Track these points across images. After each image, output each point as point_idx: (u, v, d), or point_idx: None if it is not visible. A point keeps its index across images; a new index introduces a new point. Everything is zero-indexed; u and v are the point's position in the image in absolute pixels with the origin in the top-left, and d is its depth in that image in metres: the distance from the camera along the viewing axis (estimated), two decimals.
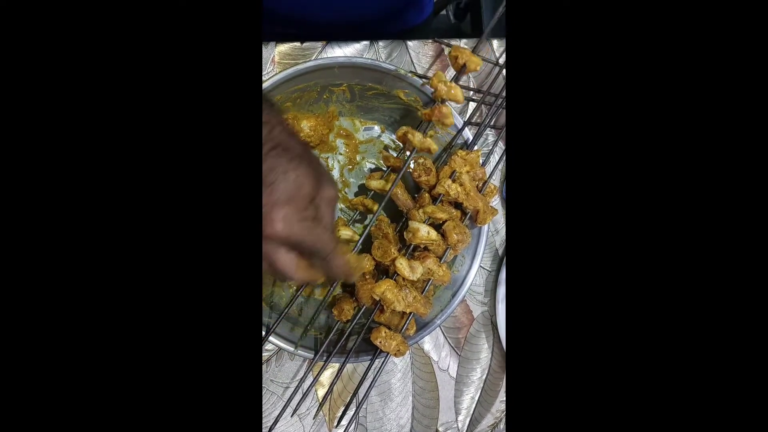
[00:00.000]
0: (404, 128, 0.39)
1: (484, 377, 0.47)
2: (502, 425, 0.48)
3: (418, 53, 0.46)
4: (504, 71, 0.46)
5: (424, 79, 0.41)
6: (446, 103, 0.39)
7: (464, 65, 0.40)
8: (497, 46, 0.49)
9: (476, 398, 0.47)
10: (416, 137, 0.38)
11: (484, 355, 0.47)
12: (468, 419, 0.46)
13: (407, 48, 0.46)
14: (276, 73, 0.39)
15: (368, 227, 0.37)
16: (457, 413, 0.46)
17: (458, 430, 0.46)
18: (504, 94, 0.45)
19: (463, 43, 0.46)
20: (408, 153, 0.40)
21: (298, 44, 0.42)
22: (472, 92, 0.45)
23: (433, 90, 0.39)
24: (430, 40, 0.46)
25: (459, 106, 0.46)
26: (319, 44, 0.43)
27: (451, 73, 0.47)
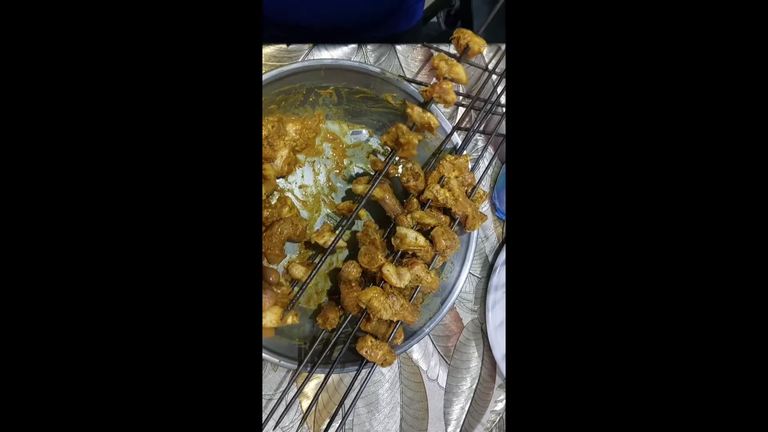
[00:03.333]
0: (398, 126, 0.38)
1: (474, 387, 0.46)
2: None
3: (407, 57, 0.45)
4: (493, 77, 0.46)
5: (414, 84, 0.40)
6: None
7: (467, 46, 0.39)
8: (486, 51, 0.48)
9: (466, 408, 0.46)
10: (415, 111, 0.37)
11: (474, 364, 0.46)
12: (458, 430, 0.45)
13: (396, 52, 0.45)
14: None
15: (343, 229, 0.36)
16: (447, 424, 0.45)
17: None
18: (493, 99, 0.44)
19: (452, 48, 0.46)
20: (394, 153, 0.40)
21: (284, 46, 0.42)
22: (461, 97, 0.45)
23: (435, 68, 0.38)
24: (420, 45, 0.46)
25: (447, 111, 0.46)
26: (306, 47, 0.42)
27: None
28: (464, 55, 0.40)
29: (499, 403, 0.47)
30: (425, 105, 0.39)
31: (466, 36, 0.39)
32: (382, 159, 0.41)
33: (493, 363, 0.46)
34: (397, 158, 0.42)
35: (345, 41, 0.44)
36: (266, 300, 0.32)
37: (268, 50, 0.41)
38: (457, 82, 0.39)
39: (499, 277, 0.45)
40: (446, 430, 0.45)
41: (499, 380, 0.47)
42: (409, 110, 0.37)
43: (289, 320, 0.33)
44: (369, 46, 0.44)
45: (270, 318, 0.32)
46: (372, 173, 0.42)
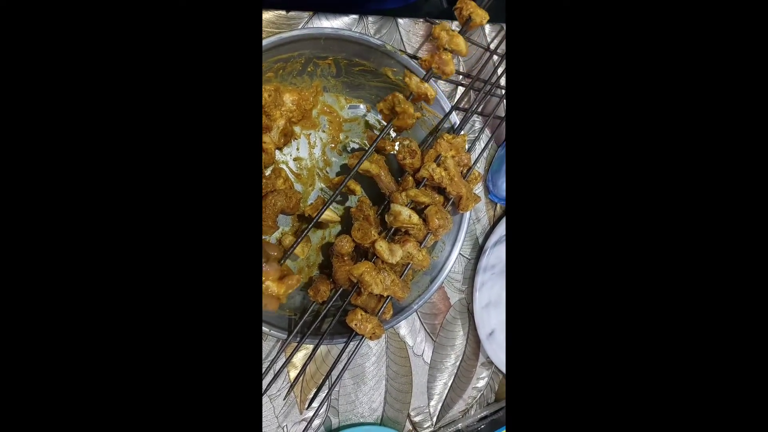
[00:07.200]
0: (394, 94, 0.38)
1: (458, 363, 0.47)
2: (473, 411, 0.48)
3: (409, 32, 0.45)
4: (494, 57, 0.45)
5: (414, 59, 0.39)
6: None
7: (469, 18, 0.38)
8: (489, 31, 0.48)
9: (449, 384, 0.47)
10: (413, 80, 0.36)
11: (459, 341, 0.47)
12: (440, 404, 0.47)
13: (397, 25, 0.44)
14: None
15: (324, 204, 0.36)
16: (430, 398, 0.46)
17: (430, 415, 0.46)
18: (493, 80, 0.44)
19: (455, 25, 0.45)
20: (389, 126, 0.39)
21: (283, 12, 0.40)
22: (461, 77, 0.44)
23: (435, 38, 0.38)
24: (422, 20, 0.45)
25: (447, 90, 0.46)
26: (306, 14, 0.41)
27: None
28: (466, 26, 0.39)
29: (480, 380, 0.48)
30: (424, 76, 0.38)
31: (469, 7, 0.38)
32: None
33: (478, 342, 0.47)
34: (393, 133, 0.41)
35: (346, 11, 0.43)
36: (271, 272, 0.33)
37: (266, 16, 0.40)
38: (456, 53, 0.39)
39: (488, 259, 0.46)
40: (429, 403, 0.46)
41: (482, 358, 0.48)
42: (407, 79, 0.37)
43: (294, 281, 0.33)
44: (370, 18, 0.43)
45: (274, 288, 0.32)
46: (368, 149, 0.42)
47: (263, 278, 0.32)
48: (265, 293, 0.32)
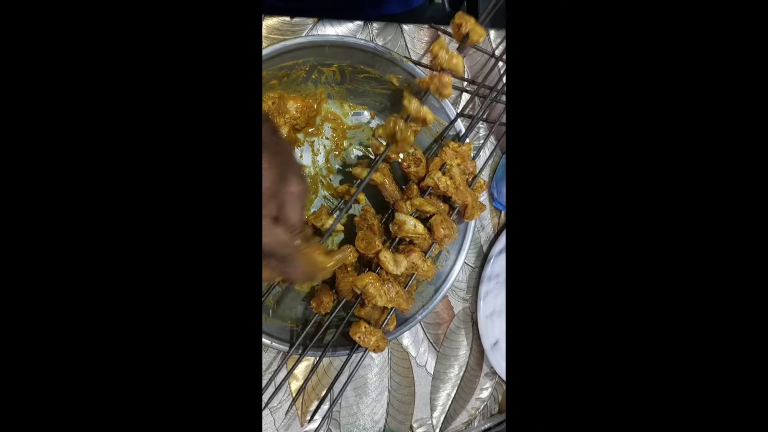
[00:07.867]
0: (395, 120, 0.37)
1: (461, 374, 0.46)
2: (476, 422, 0.48)
3: (413, 38, 0.44)
4: (500, 63, 0.45)
5: (420, 66, 0.39)
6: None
7: (467, 35, 0.38)
8: (494, 36, 0.47)
9: (452, 395, 0.46)
10: (413, 103, 0.36)
11: (463, 351, 0.46)
12: (443, 416, 0.46)
13: (402, 32, 0.44)
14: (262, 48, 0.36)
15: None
16: (432, 410, 0.45)
17: (432, 426, 0.46)
18: (499, 87, 0.43)
19: None
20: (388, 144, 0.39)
21: (287, 19, 0.40)
22: (465, 83, 0.44)
23: (432, 57, 0.37)
24: (426, 26, 0.44)
25: (451, 97, 0.45)
26: (310, 21, 0.41)
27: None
28: (464, 43, 0.38)
29: (484, 390, 0.48)
30: (422, 97, 0.38)
31: (468, 25, 0.38)
32: (384, 143, 0.40)
33: (482, 351, 0.46)
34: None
35: (350, 17, 0.42)
36: (315, 247, 0.30)
37: (270, 22, 0.39)
38: (452, 72, 0.38)
39: (493, 267, 0.45)
40: (432, 415, 0.45)
41: (486, 369, 0.47)
42: (406, 102, 0.36)
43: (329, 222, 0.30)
44: (375, 25, 0.43)
45: (323, 260, 0.30)
46: (372, 156, 0.41)
47: (312, 252, 0.29)
48: (314, 265, 0.29)
